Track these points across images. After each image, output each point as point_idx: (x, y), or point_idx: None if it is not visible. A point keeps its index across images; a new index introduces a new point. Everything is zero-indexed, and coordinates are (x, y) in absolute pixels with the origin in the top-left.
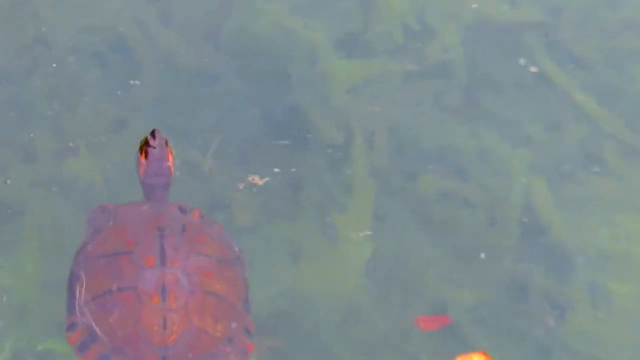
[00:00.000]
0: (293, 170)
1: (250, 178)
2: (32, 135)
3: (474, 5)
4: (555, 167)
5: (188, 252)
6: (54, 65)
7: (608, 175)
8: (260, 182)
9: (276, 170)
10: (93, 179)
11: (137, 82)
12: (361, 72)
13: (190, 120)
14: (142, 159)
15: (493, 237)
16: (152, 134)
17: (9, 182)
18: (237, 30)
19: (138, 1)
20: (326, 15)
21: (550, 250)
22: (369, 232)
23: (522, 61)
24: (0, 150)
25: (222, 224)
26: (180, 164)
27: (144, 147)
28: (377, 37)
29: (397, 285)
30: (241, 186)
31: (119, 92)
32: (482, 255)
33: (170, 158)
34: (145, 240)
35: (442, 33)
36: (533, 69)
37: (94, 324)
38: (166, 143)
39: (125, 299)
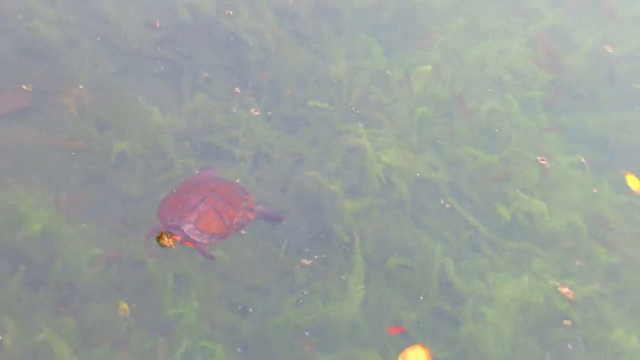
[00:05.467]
0: (324, 256)
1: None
2: None
3: None
4: None
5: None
6: None
7: None
8: None
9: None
10: None
11: None
12: (357, 205)
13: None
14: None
15: None
16: (162, 237)
17: None
18: (295, 186)
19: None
20: (341, 176)
21: None
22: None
23: None
24: None
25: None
26: None
27: (161, 242)
28: (368, 188)
29: None
30: None
31: None
32: None
33: (178, 239)
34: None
35: None
36: None
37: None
38: (171, 235)
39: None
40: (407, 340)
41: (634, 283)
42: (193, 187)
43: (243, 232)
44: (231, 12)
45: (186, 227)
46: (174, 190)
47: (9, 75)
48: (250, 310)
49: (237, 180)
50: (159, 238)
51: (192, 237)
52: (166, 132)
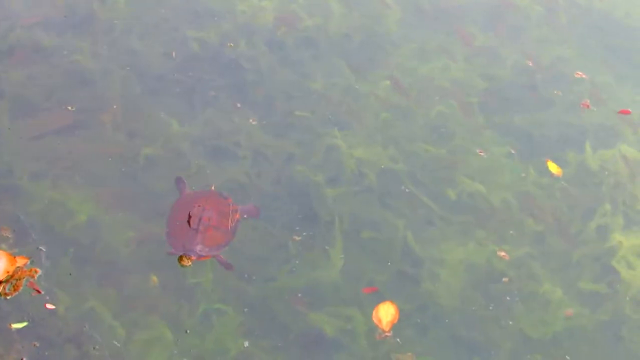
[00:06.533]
0: (311, 232)
1: None
2: None
3: None
4: None
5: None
6: None
7: None
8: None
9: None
10: None
11: None
12: (336, 191)
13: None
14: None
15: None
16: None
17: None
18: (287, 178)
19: None
20: (323, 169)
21: None
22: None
23: None
24: None
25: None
26: None
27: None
28: (344, 177)
29: None
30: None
31: None
32: None
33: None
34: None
35: None
36: None
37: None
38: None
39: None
40: (379, 298)
41: (556, 246)
42: (185, 212)
43: (245, 216)
44: (231, 44)
45: (197, 249)
46: (172, 219)
47: (57, 98)
48: (254, 277)
49: (212, 188)
50: (179, 260)
51: (204, 254)
52: (183, 139)
